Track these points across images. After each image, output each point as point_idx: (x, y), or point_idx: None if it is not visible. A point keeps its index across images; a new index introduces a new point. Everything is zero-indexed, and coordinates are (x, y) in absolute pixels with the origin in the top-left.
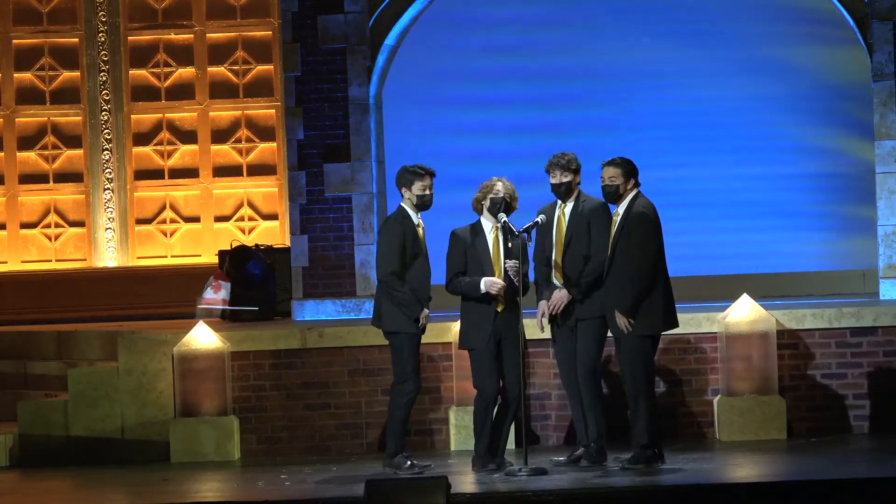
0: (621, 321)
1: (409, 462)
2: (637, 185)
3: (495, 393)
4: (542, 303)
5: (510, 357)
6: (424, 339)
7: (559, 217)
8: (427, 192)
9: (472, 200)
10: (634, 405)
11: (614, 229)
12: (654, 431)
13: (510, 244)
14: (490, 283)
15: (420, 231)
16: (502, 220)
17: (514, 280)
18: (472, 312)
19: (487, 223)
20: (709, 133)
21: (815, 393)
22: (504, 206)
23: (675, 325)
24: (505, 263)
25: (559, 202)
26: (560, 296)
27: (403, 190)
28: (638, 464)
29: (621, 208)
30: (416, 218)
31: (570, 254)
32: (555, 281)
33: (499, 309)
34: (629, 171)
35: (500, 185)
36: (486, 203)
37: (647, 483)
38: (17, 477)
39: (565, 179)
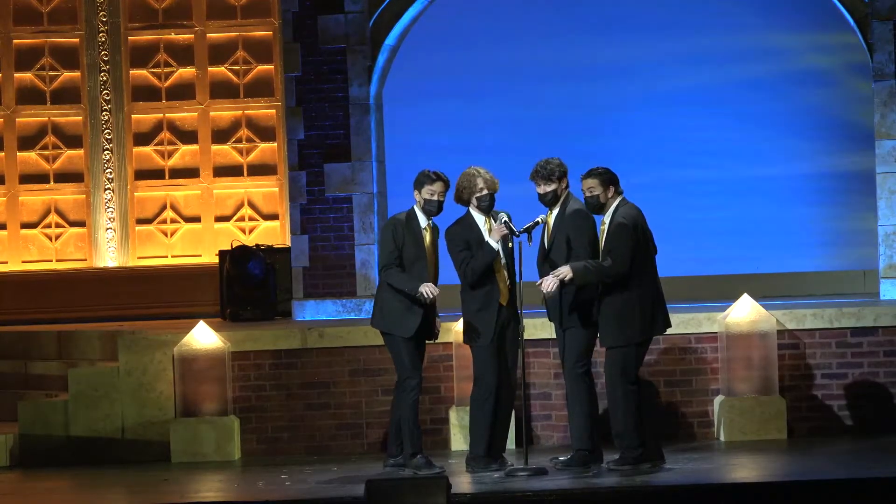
0: (554, 276)
1: (427, 462)
2: (619, 192)
3: (495, 386)
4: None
5: (511, 352)
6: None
7: (546, 224)
8: (435, 197)
9: (454, 196)
10: (614, 409)
11: (602, 239)
12: (641, 432)
13: (510, 244)
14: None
15: (427, 235)
16: (503, 221)
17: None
18: (476, 308)
19: (479, 216)
20: (709, 133)
21: (815, 393)
22: (491, 200)
23: (660, 331)
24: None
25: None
26: (563, 270)
27: (416, 192)
28: (625, 465)
29: (606, 218)
30: (423, 221)
31: (549, 263)
32: None
33: (503, 302)
34: (606, 179)
35: (481, 182)
36: (473, 202)
37: (647, 483)
38: (18, 477)
39: (549, 188)
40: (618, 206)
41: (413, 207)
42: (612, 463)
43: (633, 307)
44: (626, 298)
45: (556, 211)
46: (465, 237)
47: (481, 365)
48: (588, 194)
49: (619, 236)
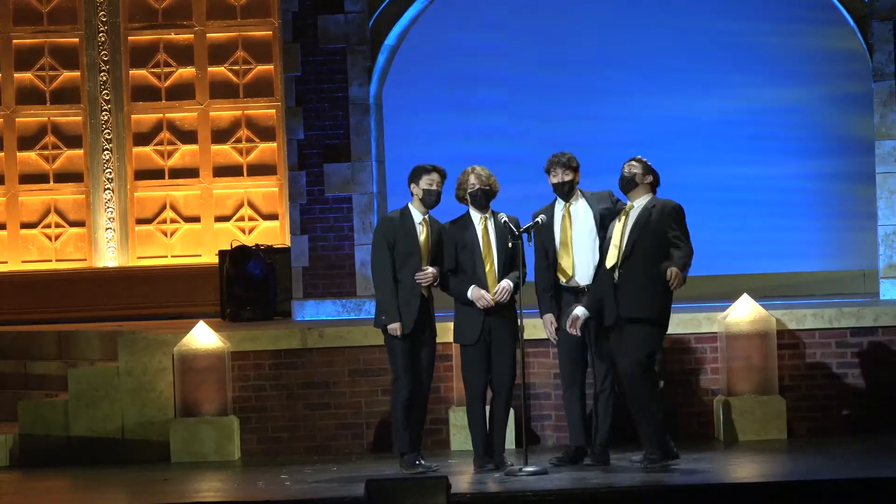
0: (676, 274)
1: (418, 462)
2: (654, 183)
3: (480, 389)
4: (549, 316)
5: (501, 352)
6: None
7: (564, 217)
8: (434, 186)
9: (455, 196)
10: (643, 401)
11: (630, 221)
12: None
13: (510, 244)
14: (478, 297)
15: (423, 229)
16: (502, 221)
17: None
18: (464, 308)
19: (476, 214)
20: (708, 133)
21: (815, 393)
22: (483, 195)
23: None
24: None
25: (559, 203)
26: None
27: (412, 186)
28: (660, 461)
29: (639, 202)
30: (419, 216)
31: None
32: (563, 280)
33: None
34: (649, 167)
35: (472, 178)
36: (467, 198)
37: (648, 483)
38: (17, 477)
39: (567, 178)
40: (652, 198)
41: (408, 204)
42: (648, 462)
43: (657, 285)
44: (650, 276)
45: (575, 204)
46: (456, 238)
47: (464, 366)
48: (626, 173)
49: (681, 218)
